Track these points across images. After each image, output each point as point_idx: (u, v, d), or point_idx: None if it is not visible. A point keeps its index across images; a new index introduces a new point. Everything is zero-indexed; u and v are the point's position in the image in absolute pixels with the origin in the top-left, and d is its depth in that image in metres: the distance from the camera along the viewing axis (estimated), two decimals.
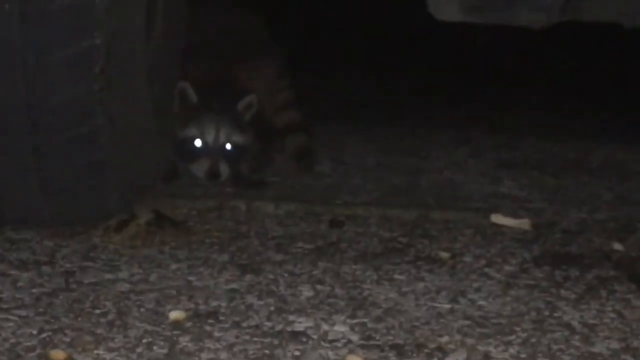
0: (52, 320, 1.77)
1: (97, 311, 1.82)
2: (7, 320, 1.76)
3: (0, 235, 2.16)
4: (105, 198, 2.20)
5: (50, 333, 1.71)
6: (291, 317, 1.84)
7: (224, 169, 2.70)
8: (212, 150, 2.71)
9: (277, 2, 3.29)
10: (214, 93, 2.72)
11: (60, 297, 1.87)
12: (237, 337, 1.74)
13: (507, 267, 2.20)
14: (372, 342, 1.76)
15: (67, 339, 1.69)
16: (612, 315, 1.96)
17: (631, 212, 2.67)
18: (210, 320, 1.81)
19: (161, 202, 2.37)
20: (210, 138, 2.71)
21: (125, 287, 1.95)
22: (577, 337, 1.84)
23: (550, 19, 2.31)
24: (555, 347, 1.79)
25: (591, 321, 1.92)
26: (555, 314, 1.95)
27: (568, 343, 1.81)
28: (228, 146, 2.72)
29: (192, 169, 2.72)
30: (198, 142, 2.70)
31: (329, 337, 1.77)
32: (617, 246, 2.38)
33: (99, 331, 1.73)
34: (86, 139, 2.06)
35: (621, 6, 2.33)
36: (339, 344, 1.74)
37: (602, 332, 1.88)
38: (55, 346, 1.66)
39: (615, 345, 1.82)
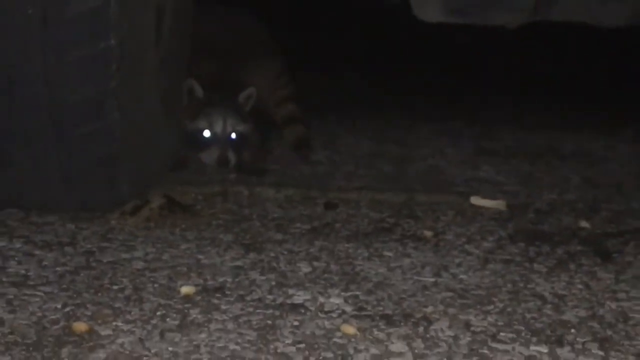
0: (75, 295, 1.76)
1: (115, 287, 1.82)
2: (34, 296, 1.75)
3: (26, 219, 2.16)
4: (119, 185, 2.19)
5: (73, 307, 1.71)
6: (290, 291, 1.84)
7: (232, 156, 2.73)
8: (221, 140, 2.73)
9: (279, 4, 3.27)
10: (217, 88, 2.73)
11: (82, 274, 1.87)
12: (242, 309, 1.74)
13: (485, 244, 2.20)
14: (363, 313, 1.76)
15: (88, 313, 1.69)
16: (580, 286, 1.97)
17: (597, 194, 2.68)
18: (217, 295, 1.81)
19: (171, 189, 2.37)
20: (218, 129, 2.73)
21: (140, 265, 1.94)
22: (548, 306, 1.85)
23: (523, 19, 2.31)
24: (529, 315, 1.80)
25: (561, 292, 1.93)
26: (529, 286, 1.95)
27: (540, 312, 1.82)
28: (233, 135, 2.73)
29: (203, 157, 2.73)
30: (207, 133, 2.73)
31: (325, 309, 1.77)
32: (584, 224, 2.38)
33: (117, 305, 1.73)
34: (102, 132, 2.06)
35: (586, 7, 2.32)
36: (333, 315, 1.74)
37: (571, 301, 1.88)
38: (77, 319, 1.66)
39: (583, 313, 1.82)
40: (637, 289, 1.96)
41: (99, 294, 1.77)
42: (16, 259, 1.93)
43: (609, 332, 1.73)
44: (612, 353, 1.65)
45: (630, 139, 3.47)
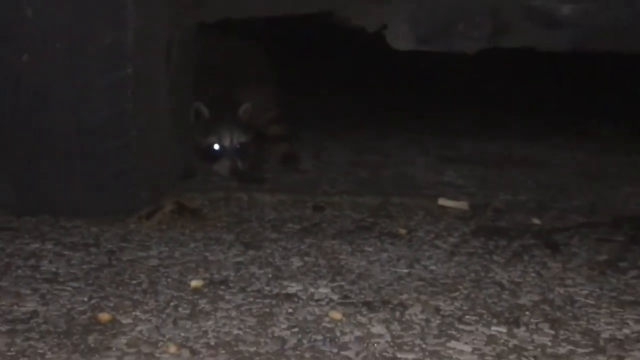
0: (99, 289, 1.76)
1: (134, 281, 1.81)
2: (64, 290, 1.75)
3: (56, 223, 2.15)
4: (136, 193, 2.19)
5: (97, 300, 1.71)
6: (285, 283, 1.84)
7: (240, 165, 2.71)
8: (229, 151, 2.72)
9: (273, 32, 3.27)
10: (220, 107, 2.72)
11: (105, 271, 1.86)
12: (243, 299, 1.74)
13: (451, 239, 2.21)
14: (348, 301, 1.76)
15: (111, 304, 1.69)
16: (533, 274, 1.98)
17: (546, 195, 2.69)
18: (222, 287, 1.80)
19: (181, 195, 2.37)
20: (226, 142, 2.73)
21: (155, 262, 1.94)
22: (506, 292, 1.85)
23: (480, 46, 2.31)
24: (489, 300, 1.80)
25: (517, 280, 1.93)
26: (489, 275, 1.95)
27: (499, 297, 1.82)
28: (238, 146, 2.72)
29: (216, 168, 2.73)
30: (217, 146, 2.72)
31: (315, 298, 1.77)
32: (536, 221, 2.39)
33: (135, 297, 1.73)
34: (121, 148, 2.05)
35: (533, 36, 2.33)
36: (322, 303, 1.74)
37: (525, 288, 1.89)
38: (102, 310, 1.65)
39: (535, 298, 1.83)
40: (581, 276, 1.96)
41: (120, 288, 1.77)
42: (48, 258, 1.92)
43: (558, 314, 1.74)
44: (561, 332, 1.65)
45: (569, 146, 3.49)
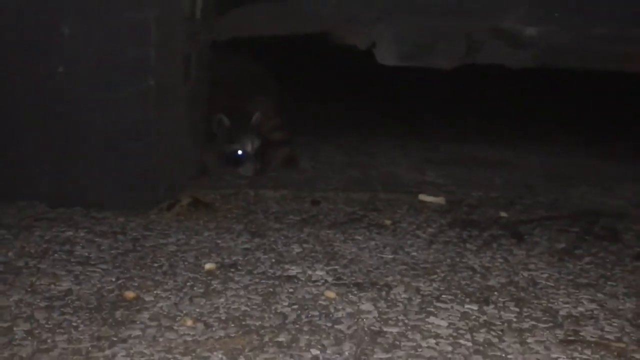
0: (125, 271, 1.76)
1: (155, 265, 1.82)
2: (94, 272, 1.75)
3: (88, 214, 2.15)
4: (158, 189, 2.19)
5: (123, 280, 1.71)
6: (286, 266, 1.85)
7: (259, 165, 2.73)
8: (251, 156, 2.73)
9: (276, 51, 3.27)
10: (235, 117, 2.73)
11: (130, 255, 1.87)
12: (250, 280, 1.75)
13: (430, 230, 2.21)
14: (341, 282, 1.76)
15: (135, 284, 1.69)
16: (501, 260, 1.98)
17: (512, 192, 2.69)
18: (232, 269, 1.81)
19: (196, 191, 2.37)
20: (248, 148, 2.72)
21: (173, 248, 1.94)
22: (477, 275, 1.86)
23: (456, 63, 2.32)
24: (463, 282, 1.81)
25: (487, 264, 1.94)
26: (463, 260, 1.96)
27: (472, 279, 1.83)
28: (255, 150, 2.74)
29: (241, 170, 2.72)
30: (240, 152, 2.71)
31: (312, 279, 1.77)
32: (504, 214, 2.39)
33: (156, 278, 1.73)
34: (144, 149, 2.06)
35: (501, 54, 2.33)
36: (318, 283, 1.75)
37: (494, 271, 1.89)
38: (127, 289, 1.66)
39: (503, 280, 1.84)
40: (542, 262, 1.97)
41: (143, 270, 1.77)
42: (80, 244, 1.93)
43: (522, 294, 1.75)
44: (525, 309, 1.66)
45: (534, 150, 3.49)
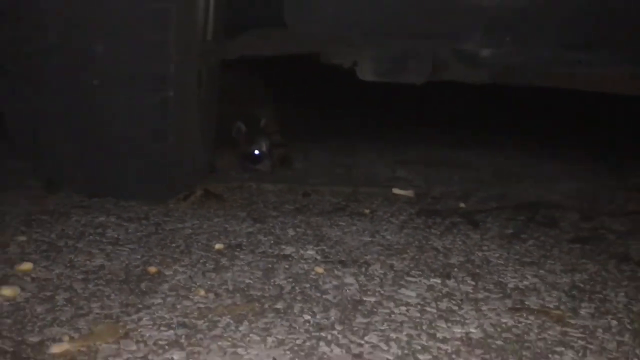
0: (148, 250, 1.76)
1: (174, 245, 1.82)
2: (123, 250, 1.75)
3: (118, 203, 2.15)
4: (175, 183, 2.19)
5: (147, 257, 1.71)
6: (283, 247, 1.85)
7: (272, 162, 2.74)
8: (266, 155, 2.72)
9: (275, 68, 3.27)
10: (249, 124, 2.73)
11: (152, 237, 1.87)
12: (252, 258, 1.75)
13: (401, 217, 2.22)
14: (328, 260, 1.77)
15: (157, 260, 1.69)
16: (460, 243, 1.99)
17: (469, 187, 2.70)
18: (237, 249, 1.81)
19: (207, 184, 2.36)
20: (264, 148, 2.72)
21: (189, 231, 1.94)
22: (441, 255, 1.87)
23: (424, 79, 2.32)
24: (429, 260, 1.81)
25: (448, 246, 1.95)
26: (429, 243, 1.97)
27: (436, 258, 1.83)
28: (268, 150, 2.75)
29: (260, 167, 2.72)
30: (257, 152, 2.71)
31: (304, 257, 1.78)
32: (462, 205, 2.40)
33: (175, 256, 1.73)
34: (164, 149, 2.05)
35: (462, 72, 2.34)
36: (309, 261, 1.75)
37: (454, 251, 1.90)
38: (150, 265, 1.66)
39: (461, 259, 1.85)
40: (494, 244, 1.98)
41: (164, 249, 1.77)
42: (111, 228, 1.92)
43: (478, 270, 1.75)
44: (480, 283, 1.67)
45: (487, 153, 3.50)
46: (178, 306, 1.43)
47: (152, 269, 1.62)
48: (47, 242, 1.77)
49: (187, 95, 2.11)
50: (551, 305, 1.56)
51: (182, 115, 2.08)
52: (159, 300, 1.45)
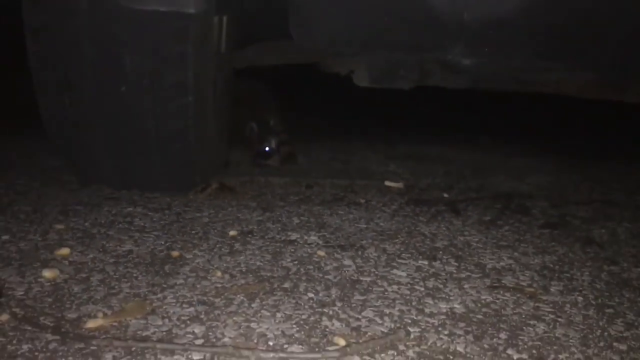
0: (171, 236, 1.76)
1: (193, 232, 1.81)
2: (149, 237, 1.74)
3: (143, 194, 2.14)
4: (194, 176, 2.18)
5: (170, 243, 1.71)
6: (289, 233, 1.84)
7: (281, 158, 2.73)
8: (275, 151, 2.70)
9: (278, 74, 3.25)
10: (260, 124, 2.71)
11: (175, 225, 1.86)
12: (262, 243, 1.75)
13: (392, 206, 2.21)
14: (329, 244, 1.76)
15: (179, 246, 1.69)
16: (444, 228, 1.98)
17: (452, 179, 2.69)
18: (249, 235, 1.80)
19: (222, 178, 2.35)
20: (274, 145, 2.70)
21: (206, 219, 1.93)
22: (427, 239, 1.86)
23: (413, 84, 2.31)
24: (417, 244, 1.81)
25: (434, 232, 1.94)
26: (417, 229, 1.96)
27: (423, 242, 1.83)
28: (278, 146, 2.73)
29: (270, 162, 2.69)
30: (268, 149, 2.69)
31: (308, 242, 1.77)
32: (446, 195, 2.39)
33: (194, 242, 1.73)
34: (184, 147, 2.04)
35: (445, 77, 2.32)
36: (312, 245, 1.75)
37: (439, 236, 1.90)
38: (173, 249, 1.65)
39: (446, 243, 1.84)
40: (474, 230, 1.98)
41: (184, 236, 1.76)
42: (138, 217, 1.91)
43: (460, 253, 1.75)
44: (462, 264, 1.66)
45: (467, 149, 3.49)
46: (198, 286, 1.43)
47: (175, 253, 1.62)
48: (82, 229, 1.77)
49: (205, 100, 2.10)
50: (525, 284, 1.55)
51: (200, 118, 2.07)
52: (181, 281, 1.45)
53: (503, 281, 1.56)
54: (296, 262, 1.60)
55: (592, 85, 2.34)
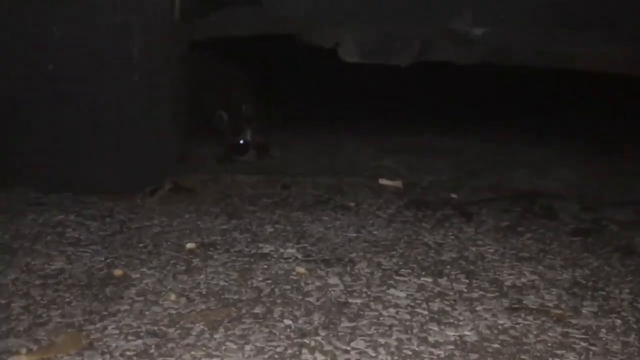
0: (113, 251, 1.74)
1: (141, 244, 1.80)
2: (85, 252, 1.73)
3: (77, 200, 2.11)
4: (140, 175, 2.16)
5: (112, 259, 1.69)
6: (260, 245, 1.84)
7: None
8: (250, 144, 2.72)
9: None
10: (230, 113, 2.71)
11: (117, 237, 1.84)
12: (227, 258, 1.74)
13: (389, 210, 2.20)
14: (310, 258, 1.76)
15: (123, 263, 1.67)
16: (452, 237, 1.98)
17: (461, 176, 2.69)
18: (211, 248, 1.79)
19: (178, 177, 2.31)
20: (249, 137, 2.71)
21: (157, 229, 1.92)
22: (432, 251, 1.86)
23: (411, 60, 2.31)
24: (419, 257, 1.81)
25: (440, 241, 1.94)
26: (419, 238, 1.96)
27: (427, 255, 1.83)
28: (252, 139, 2.74)
29: (245, 158, 2.70)
30: (242, 141, 2.70)
31: (284, 256, 1.76)
32: (454, 196, 2.39)
33: (142, 257, 1.72)
34: (129, 139, 2.03)
35: (450, 52, 2.32)
36: (290, 260, 1.74)
37: (447, 247, 1.90)
38: (115, 267, 1.64)
39: (454, 255, 1.84)
40: (489, 238, 1.98)
41: (130, 250, 1.75)
42: (71, 227, 1.89)
43: (472, 267, 1.76)
44: (474, 281, 1.67)
45: (477, 138, 3.50)
46: (147, 313, 1.41)
47: (118, 272, 1.60)
48: (0, 243, 1.74)
49: (154, 79, 2.07)
50: (551, 304, 1.56)
51: (150, 101, 2.05)
52: (126, 307, 1.43)
53: (524, 301, 1.56)
54: (269, 281, 1.59)
55: (628, 61, 2.36)
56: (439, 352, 1.32)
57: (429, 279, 1.65)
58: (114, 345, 1.28)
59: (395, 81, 3.79)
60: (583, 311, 1.54)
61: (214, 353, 1.27)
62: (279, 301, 1.49)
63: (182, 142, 2.58)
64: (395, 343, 1.34)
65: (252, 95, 2.95)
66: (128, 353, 1.25)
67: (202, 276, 1.60)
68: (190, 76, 2.51)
